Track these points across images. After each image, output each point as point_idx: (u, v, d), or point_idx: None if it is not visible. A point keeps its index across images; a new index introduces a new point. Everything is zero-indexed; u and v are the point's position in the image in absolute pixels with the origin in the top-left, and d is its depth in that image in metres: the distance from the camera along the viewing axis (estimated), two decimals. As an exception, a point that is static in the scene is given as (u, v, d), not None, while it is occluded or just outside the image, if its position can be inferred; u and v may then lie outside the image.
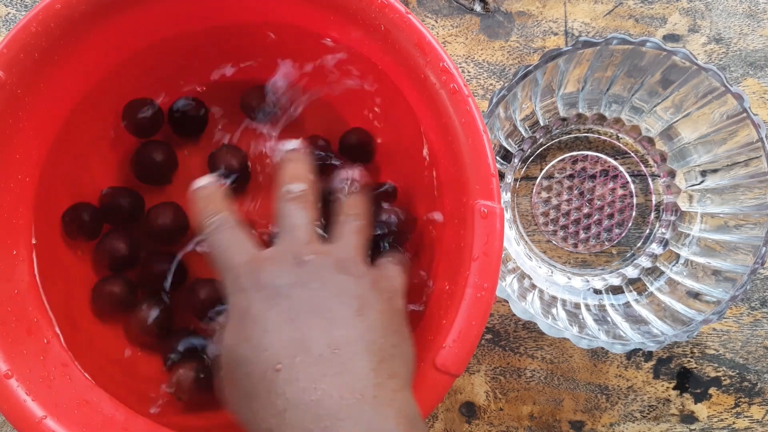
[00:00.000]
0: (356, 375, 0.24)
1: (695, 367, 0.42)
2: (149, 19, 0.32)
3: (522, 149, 0.42)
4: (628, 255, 0.42)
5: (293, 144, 0.32)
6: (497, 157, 0.42)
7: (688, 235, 0.40)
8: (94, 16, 0.30)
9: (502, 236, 0.28)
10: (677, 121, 0.39)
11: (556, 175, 0.43)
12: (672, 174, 0.42)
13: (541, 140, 0.42)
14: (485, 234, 0.28)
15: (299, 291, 0.26)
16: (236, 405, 0.26)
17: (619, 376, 0.42)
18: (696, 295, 0.38)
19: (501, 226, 0.28)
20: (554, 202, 0.43)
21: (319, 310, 0.25)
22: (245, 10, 0.33)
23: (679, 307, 0.38)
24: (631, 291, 0.41)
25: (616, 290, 0.41)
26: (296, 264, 0.27)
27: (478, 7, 0.43)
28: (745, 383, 0.42)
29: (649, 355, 0.42)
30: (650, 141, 0.42)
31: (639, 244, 0.42)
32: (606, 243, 0.42)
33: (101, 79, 0.34)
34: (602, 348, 0.36)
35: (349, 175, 0.33)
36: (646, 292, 0.41)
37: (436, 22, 0.43)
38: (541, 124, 0.42)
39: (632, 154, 0.43)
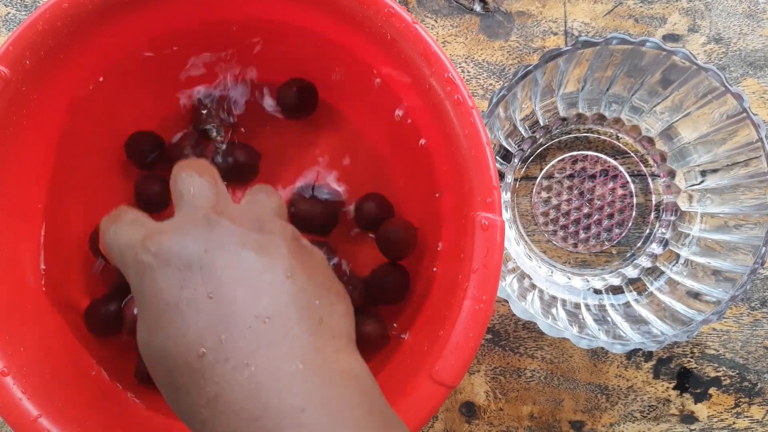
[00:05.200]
0: (293, 342, 0.21)
1: (695, 367, 0.42)
2: (156, 19, 0.32)
3: (522, 149, 0.42)
4: (628, 255, 0.42)
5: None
6: (497, 157, 0.42)
7: (688, 235, 0.40)
8: (101, 16, 0.30)
9: (502, 249, 0.28)
10: (677, 120, 0.39)
11: (556, 174, 0.43)
12: (672, 174, 0.42)
13: (541, 140, 0.42)
14: (485, 246, 0.28)
15: (214, 257, 0.22)
16: (170, 402, 0.22)
17: (619, 376, 0.42)
18: (696, 295, 0.38)
19: (501, 239, 0.28)
20: (554, 202, 0.43)
21: (241, 278, 0.22)
22: (250, 9, 0.33)
23: (679, 307, 0.38)
24: (631, 291, 0.41)
25: (616, 290, 0.41)
26: (206, 225, 0.23)
27: (477, 7, 0.43)
28: (745, 383, 0.42)
29: (649, 355, 0.42)
30: (650, 141, 0.42)
31: (639, 244, 0.42)
32: (606, 243, 0.42)
33: (105, 78, 0.34)
34: (602, 348, 0.36)
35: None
36: (646, 292, 0.40)
37: (436, 21, 0.43)
38: (541, 124, 0.42)
39: (632, 154, 0.43)
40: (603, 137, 0.43)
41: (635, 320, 0.38)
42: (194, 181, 0.25)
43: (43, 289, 0.33)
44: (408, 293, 0.36)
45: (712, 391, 0.42)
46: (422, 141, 0.34)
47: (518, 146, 0.42)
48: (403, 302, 0.36)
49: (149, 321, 0.22)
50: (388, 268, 0.36)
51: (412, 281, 0.36)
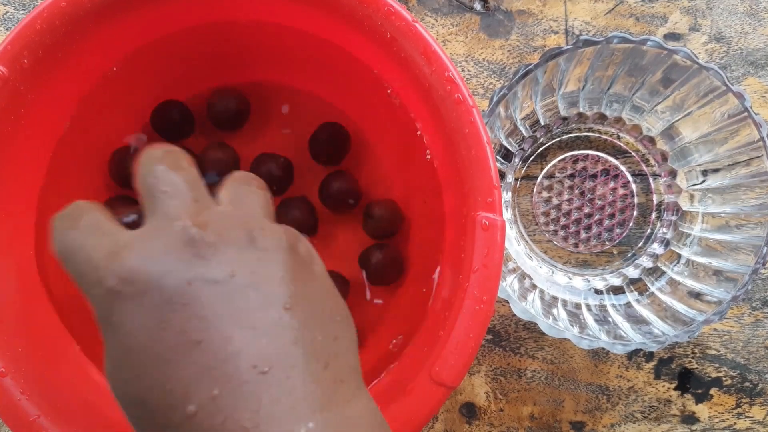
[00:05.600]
0: (298, 397, 0.18)
1: (696, 368, 0.42)
2: (156, 18, 0.32)
3: (522, 148, 0.42)
4: (629, 255, 0.42)
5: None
6: (498, 157, 0.41)
7: (689, 234, 0.40)
8: (99, 15, 0.30)
9: (502, 249, 0.28)
10: (678, 120, 0.39)
11: (557, 174, 0.42)
12: (673, 173, 0.42)
13: (542, 139, 0.42)
14: (486, 246, 0.28)
15: (201, 291, 0.18)
16: None
17: (620, 376, 0.42)
18: (697, 296, 0.38)
19: (502, 239, 0.28)
20: (555, 201, 0.42)
21: (233, 315, 0.18)
22: (250, 10, 0.33)
23: (680, 307, 0.38)
24: (632, 291, 0.41)
25: (617, 290, 0.41)
26: (186, 244, 0.19)
27: (478, 6, 0.43)
28: (747, 384, 0.42)
29: (650, 356, 0.42)
30: (651, 140, 0.42)
31: (640, 244, 0.42)
32: (607, 243, 0.42)
33: (105, 77, 0.34)
34: (603, 348, 0.36)
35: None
36: (647, 293, 0.40)
37: (436, 20, 0.43)
38: (542, 123, 0.41)
39: (633, 154, 0.42)
40: (604, 137, 0.42)
41: (636, 320, 0.38)
42: (168, 178, 0.20)
43: (42, 288, 0.33)
44: (404, 281, 0.36)
45: (713, 391, 0.42)
46: (422, 138, 0.33)
47: (519, 145, 0.42)
48: (404, 303, 0.36)
49: (121, 362, 0.18)
50: (379, 249, 0.37)
51: (413, 281, 0.36)
